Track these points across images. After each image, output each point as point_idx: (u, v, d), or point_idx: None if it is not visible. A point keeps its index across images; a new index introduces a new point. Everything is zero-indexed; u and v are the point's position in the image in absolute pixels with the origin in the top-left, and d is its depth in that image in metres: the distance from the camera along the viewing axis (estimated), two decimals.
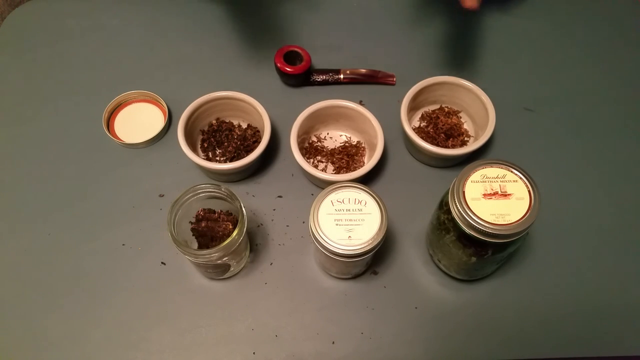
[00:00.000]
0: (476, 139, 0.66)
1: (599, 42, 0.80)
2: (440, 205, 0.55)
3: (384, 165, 0.68)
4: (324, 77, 0.74)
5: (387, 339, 0.58)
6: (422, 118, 0.71)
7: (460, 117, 0.70)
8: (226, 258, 0.55)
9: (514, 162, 0.50)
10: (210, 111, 0.67)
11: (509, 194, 0.49)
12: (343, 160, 0.66)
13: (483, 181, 0.50)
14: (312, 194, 0.66)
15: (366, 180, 0.66)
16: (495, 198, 0.49)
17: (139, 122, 0.71)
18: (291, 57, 0.72)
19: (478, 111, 0.67)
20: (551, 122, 0.72)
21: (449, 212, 0.51)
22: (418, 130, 0.69)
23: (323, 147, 0.69)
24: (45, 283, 0.60)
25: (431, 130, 0.68)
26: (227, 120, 0.69)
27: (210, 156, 0.67)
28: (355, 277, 0.61)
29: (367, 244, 0.51)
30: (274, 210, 0.65)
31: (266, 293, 0.60)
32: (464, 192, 0.49)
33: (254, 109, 0.66)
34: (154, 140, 0.70)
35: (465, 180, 0.50)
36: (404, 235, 0.63)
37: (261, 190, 0.67)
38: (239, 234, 0.53)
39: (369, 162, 0.62)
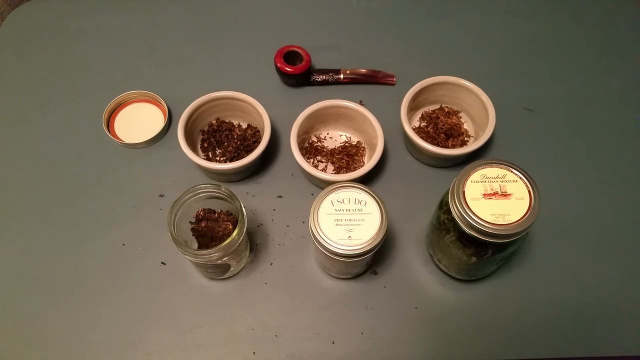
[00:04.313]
0: (476, 139, 0.66)
1: (599, 42, 0.80)
2: (440, 205, 0.55)
3: (384, 165, 0.68)
4: (324, 77, 0.74)
5: (387, 339, 0.57)
6: (422, 118, 0.71)
7: (460, 117, 0.70)
8: (226, 258, 0.55)
9: (514, 162, 0.50)
10: (210, 111, 0.67)
11: (509, 194, 0.49)
12: (343, 160, 0.66)
13: (483, 181, 0.50)
14: (312, 194, 0.66)
15: (366, 180, 0.66)
16: (495, 198, 0.49)
17: (139, 122, 0.71)
18: (291, 57, 0.72)
19: (478, 111, 0.67)
20: (551, 122, 0.72)
21: (449, 212, 0.51)
22: (418, 130, 0.69)
23: (323, 147, 0.69)
24: (45, 283, 0.60)
25: (431, 130, 0.68)
26: (227, 120, 0.69)
27: (210, 156, 0.67)
28: (355, 277, 0.61)
29: (367, 244, 0.51)
30: (274, 210, 0.65)
31: (266, 293, 0.60)
32: (464, 192, 0.49)
33: (254, 109, 0.66)
34: (154, 140, 0.70)
35: (465, 180, 0.50)
36: (404, 235, 0.63)
37: (261, 190, 0.67)
38: (239, 234, 0.53)
39: (369, 162, 0.62)
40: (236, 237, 0.53)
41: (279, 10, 0.83)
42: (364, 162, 0.67)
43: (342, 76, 0.74)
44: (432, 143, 0.64)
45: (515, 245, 0.51)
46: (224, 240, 0.53)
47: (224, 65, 0.77)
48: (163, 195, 0.66)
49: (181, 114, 0.64)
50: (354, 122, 0.67)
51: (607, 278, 0.61)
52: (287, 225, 0.64)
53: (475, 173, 0.50)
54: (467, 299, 0.60)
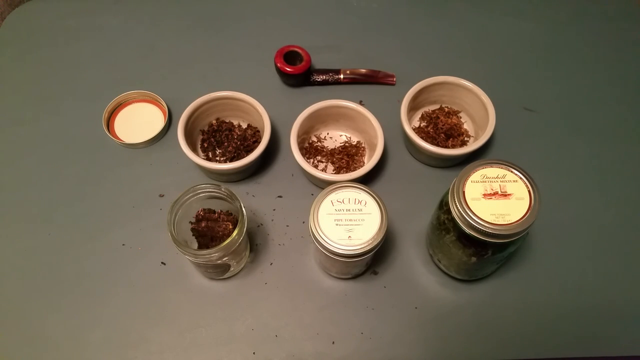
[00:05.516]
0: (476, 139, 0.66)
1: (599, 43, 0.80)
2: (440, 205, 0.55)
3: (384, 165, 0.68)
4: (324, 77, 0.74)
5: (387, 339, 0.58)
6: (422, 118, 0.71)
7: (460, 117, 0.70)
8: (226, 258, 0.55)
9: (514, 162, 0.50)
10: (210, 111, 0.67)
11: (509, 194, 0.49)
12: (343, 160, 0.66)
13: (483, 181, 0.50)
14: (312, 194, 0.66)
15: (366, 180, 0.66)
16: (495, 198, 0.49)
17: (139, 122, 0.71)
18: (291, 57, 0.72)
19: (478, 111, 0.67)
20: (551, 122, 0.72)
21: (449, 212, 0.51)
22: (418, 130, 0.69)
23: (323, 147, 0.69)
24: (45, 283, 0.60)
25: (431, 130, 0.68)
26: (227, 120, 0.69)
27: (210, 156, 0.67)
28: (355, 277, 0.61)
29: (367, 244, 0.51)
30: (274, 210, 0.65)
31: (266, 293, 0.60)
32: (464, 192, 0.49)
33: (254, 109, 0.66)
34: (154, 140, 0.70)
35: (465, 180, 0.50)
36: (404, 235, 0.63)
37: (261, 190, 0.67)
38: (239, 234, 0.53)
39: (369, 162, 0.62)
40: (236, 237, 0.53)
41: (279, 10, 0.83)
42: (364, 162, 0.67)
43: (342, 76, 0.74)
44: (432, 143, 0.64)
45: (515, 245, 0.51)
46: (224, 240, 0.53)
47: (224, 65, 0.77)
48: (163, 195, 0.66)
49: (181, 114, 0.64)
50: (354, 122, 0.67)
51: (607, 278, 0.61)
52: (287, 225, 0.64)
53: (475, 173, 0.50)
54: (467, 299, 0.60)
